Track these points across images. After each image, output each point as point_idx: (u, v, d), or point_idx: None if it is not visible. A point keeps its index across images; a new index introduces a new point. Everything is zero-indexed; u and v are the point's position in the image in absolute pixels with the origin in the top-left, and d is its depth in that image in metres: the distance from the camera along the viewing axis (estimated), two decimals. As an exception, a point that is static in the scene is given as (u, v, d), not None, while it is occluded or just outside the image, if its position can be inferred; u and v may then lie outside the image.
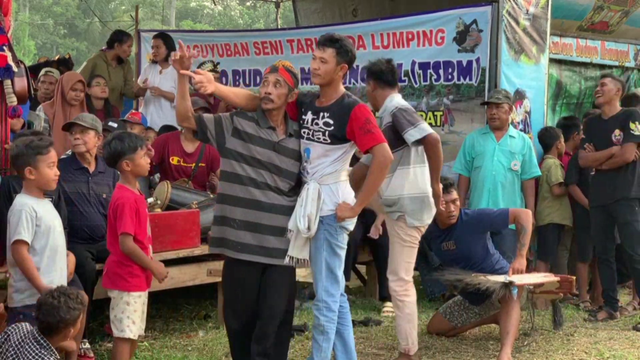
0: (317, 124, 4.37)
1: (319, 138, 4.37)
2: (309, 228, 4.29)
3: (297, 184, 4.47)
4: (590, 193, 6.62)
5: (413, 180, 4.86)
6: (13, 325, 3.78)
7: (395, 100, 5.01)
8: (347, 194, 4.43)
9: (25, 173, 4.17)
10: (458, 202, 5.55)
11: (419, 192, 4.87)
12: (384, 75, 5.07)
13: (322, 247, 4.38)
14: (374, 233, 6.54)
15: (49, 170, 4.19)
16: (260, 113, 4.41)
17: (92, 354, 5.00)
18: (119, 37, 8.69)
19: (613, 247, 6.58)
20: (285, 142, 4.42)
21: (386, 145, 4.34)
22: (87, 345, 5.02)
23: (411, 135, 4.77)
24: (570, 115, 7.77)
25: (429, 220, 4.99)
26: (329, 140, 4.35)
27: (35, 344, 3.67)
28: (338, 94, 4.43)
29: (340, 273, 4.47)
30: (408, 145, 4.83)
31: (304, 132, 4.43)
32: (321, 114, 4.38)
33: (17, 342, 3.67)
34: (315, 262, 4.42)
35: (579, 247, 7.00)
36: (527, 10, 7.02)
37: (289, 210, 4.39)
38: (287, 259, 4.36)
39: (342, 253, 4.45)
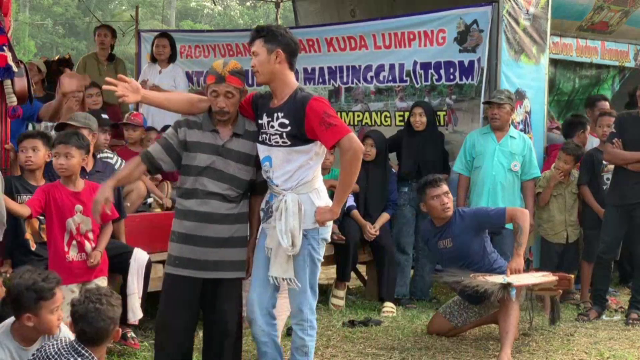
0: (272, 126, 4.00)
1: (277, 142, 4.00)
2: (293, 244, 3.97)
3: (247, 192, 4.17)
4: (609, 190, 6.46)
5: None
6: (50, 342, 3.47)
7: None
8: (326, 201, 4.12)
9: (23, 320, 3.47)
10: (450, 195, 5.54)
11: None
12: None
13: (305, 262, 4.07)
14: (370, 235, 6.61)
15: (52, 316, 3.52)
16: (206, 115, 4.12)
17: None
18: (93, 33, 8.81)
19: (619, 250, 6.49)
20: (230, 144, 4.09)
21: (353, 135, 3.96)
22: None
23: None
24: (578, 113, 7.77)
25: None
26: (288, 142, 3.98)
27: (74, 354, 3.35)
28: (290, 89, 4.03)
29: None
30: None
31: (263, 137, 4.08)
32: (275, 115, 4.00)
33: (53, 354, 3.38)
34: (298, 280, 4.08)
35: (586, 247, 6.90)
36: (527, 11, 7.03)
37: (231, 220, 4.09)
38: (270, 280, 4.09)
39: (320, 266, 4.18)
